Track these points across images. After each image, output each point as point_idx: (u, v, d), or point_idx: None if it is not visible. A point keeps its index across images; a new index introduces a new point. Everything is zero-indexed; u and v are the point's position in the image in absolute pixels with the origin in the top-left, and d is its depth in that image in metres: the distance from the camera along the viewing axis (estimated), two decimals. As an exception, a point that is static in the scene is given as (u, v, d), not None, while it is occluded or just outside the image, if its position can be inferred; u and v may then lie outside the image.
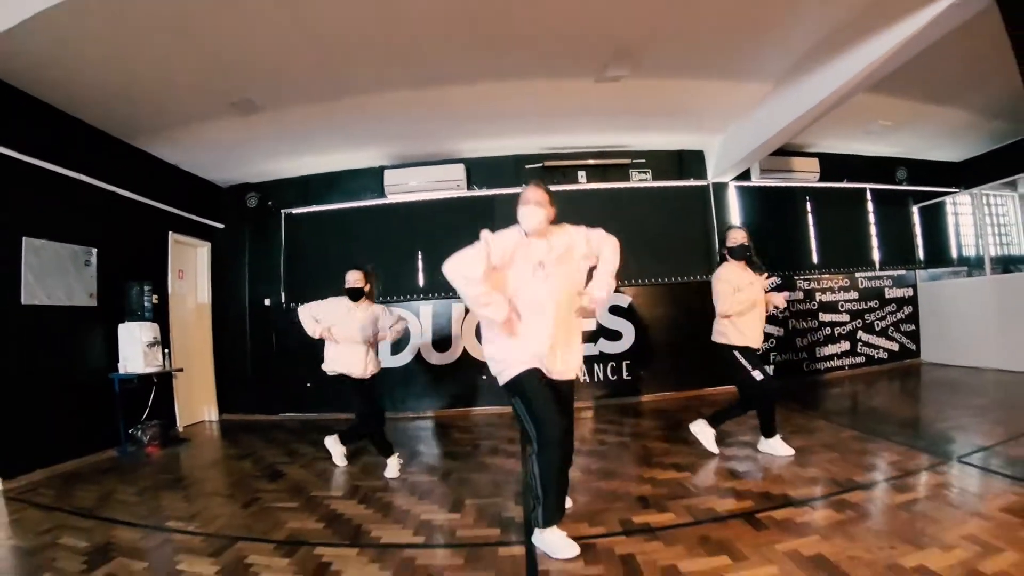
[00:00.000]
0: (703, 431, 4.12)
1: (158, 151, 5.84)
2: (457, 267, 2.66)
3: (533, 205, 2.76)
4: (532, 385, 2.69)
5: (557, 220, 2.87)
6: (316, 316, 4.28)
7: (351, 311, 4.25)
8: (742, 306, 3.88)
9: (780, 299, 4.11)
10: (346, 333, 4.20)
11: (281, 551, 2.76)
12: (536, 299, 2.74)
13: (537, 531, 2.69)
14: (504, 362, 2.77)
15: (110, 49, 3.87)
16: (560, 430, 2.64)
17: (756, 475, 3.56)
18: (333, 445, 4.37)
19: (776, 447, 3.95)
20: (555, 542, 2.63)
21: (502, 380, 2.79)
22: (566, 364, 2.83)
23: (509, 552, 2.66)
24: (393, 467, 4.06)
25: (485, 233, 2.75)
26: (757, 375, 3.89)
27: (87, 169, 4.98)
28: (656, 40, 4.33)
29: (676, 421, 5.16)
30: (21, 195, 4.37)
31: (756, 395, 3.95)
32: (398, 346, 6.37)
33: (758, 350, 4.02)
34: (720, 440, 4.19)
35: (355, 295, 4.26)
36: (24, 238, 4.34)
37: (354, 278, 4.26)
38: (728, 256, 4.03)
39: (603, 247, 2.91)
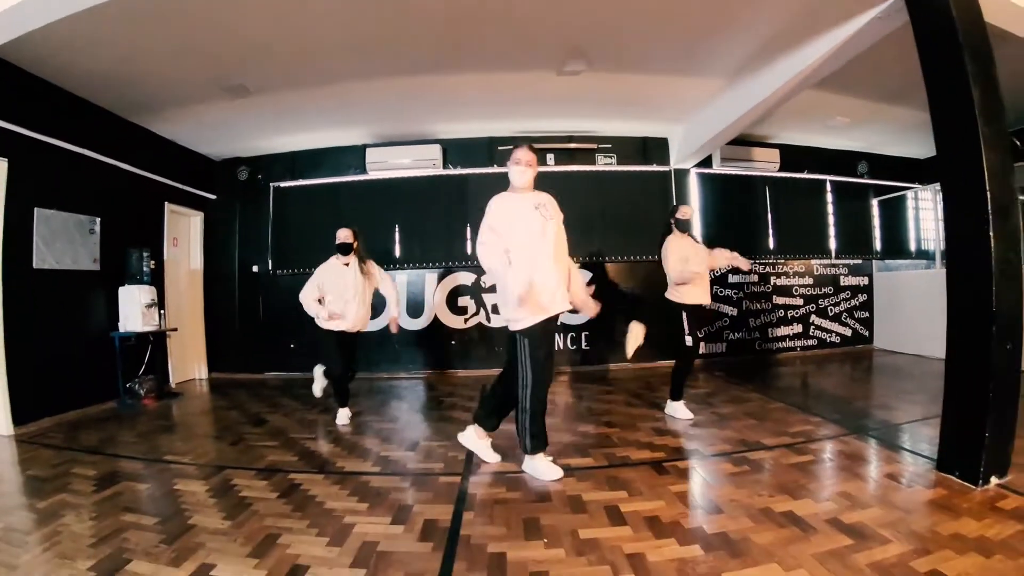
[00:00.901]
0: (675, 408, 4.61)
1: (156, 127, 6.37)
2: (486, 258, 3.27)
3: (524, 165, 3.37)
4: (539, 335, 3.25)
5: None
6: (318, 284, 4.76)
7: (343, 271, 4.78)
8: (692, 275, 4.42)
9: (743, 261, 4.66)
10: (339, 290, 4.74)
11: (260, 476, 3.41)
12: (540, 239, 3.27)
13: (527, 458, 3.35)
14: (518, 312, 3.25)
15: (115, 38, 4.32)
16: (551, 374, 3.32)
17: (676, 434, 4.10)
18: (319, 377, 5.07)
19: (678, 410, 4.57)
20: (542, 467, 3.29)
21: (516, 327, 3.29)
22: (564, 298, 3.36)
23: (447, 480, 3.30)
24: (343, 416, 4.76)
25: (488, 214, 3.31)
26: (688, 340, 4.51)
27: (92, 145, 5.53)
28: (609, 39, 4.78)
29: (625, 388, 5.83)
30: (34, 169, 4.89)
31: (680, 355, 4.58)
32: (375, 311, 6.94)
33: (707, 306, 4.65)
34: (656, 404, 4.90)
35: (345, 249, 4.78)
36: (36, 208, 4.90)
37: (344, 234, 4.79)
38: (676, 228, 4.60)
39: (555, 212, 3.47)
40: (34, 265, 4.88)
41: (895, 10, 3.59)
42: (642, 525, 2.57)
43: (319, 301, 4.74)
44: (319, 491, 3.14)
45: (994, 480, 2.89)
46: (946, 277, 3.13)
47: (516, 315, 3.25)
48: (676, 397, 4.63)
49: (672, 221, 4.65)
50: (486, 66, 5.22)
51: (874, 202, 8.37)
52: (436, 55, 4.96)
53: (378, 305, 5.80)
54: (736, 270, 6.13)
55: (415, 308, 7.11)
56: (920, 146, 8.19)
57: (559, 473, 3.25)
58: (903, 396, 5.09)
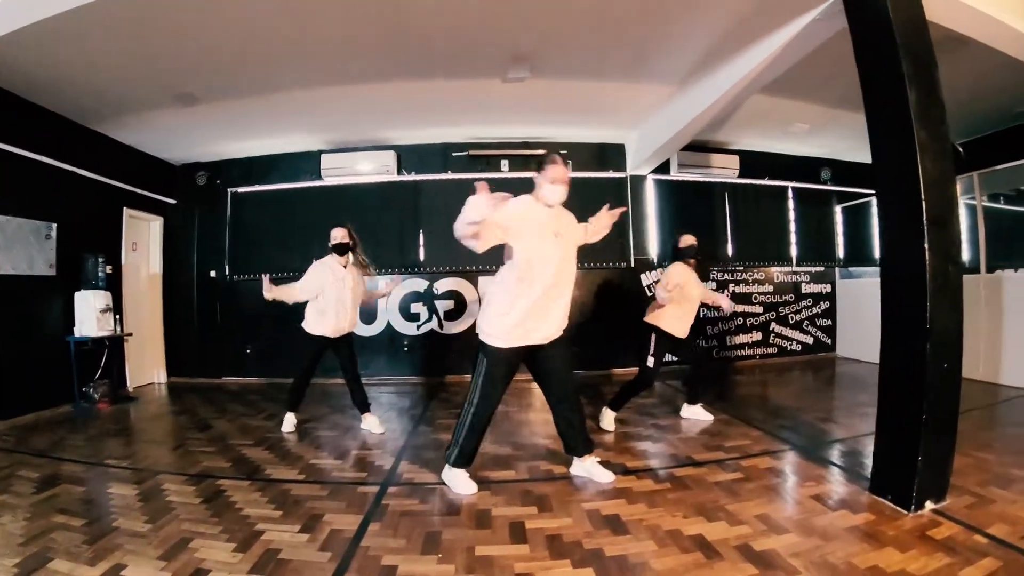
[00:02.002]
0: (606, 417, 4.81)
1: (113, 133, 6.64)
2: (464, 213, 2.96)
3: (563, 184, 3.23)
4: (499, 362, 3.30)
5: None
6: (315, 288, 4.76)
7: (343, 273, 4.81)
8: (672, 296, 4.58)
9: (725, 301, 4.90)
10: (338, 293, 4.77)
11: (190, 481, 3.70)
12: (547, 266, 3.19)
13: (446, 467, 3.50)
14: (492, 328, 3.28)
15: (69, 47, 4.49)
16: (499, 398, 3.38)
17: (608, 447, 4.23)
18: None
19: (608, 421, 4.78)
20: (458, 480, 3.44)
21: (482, 338, 3.34)
22: (549, 331, 3.33)
23: (365, 490, 3.54)
24: (289, 422, 4.99)
25: (517, 204, 3.23)
26: (650, 362, 4.69)
27: (49, 151, 5.81)
28: (550, 46, 4.96)
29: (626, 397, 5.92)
30: (-13, 176, 5.16)
31: (639, 374, 4.79)
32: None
33: (681, 339, 4.77)
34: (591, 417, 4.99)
35: (342, 250, 4.82)
36: (-10, 215, 5.18)
37: (340, 234, 4.81)
38: (679, 256, 4.83)
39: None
40: (-11, 271, 5.16)
41: (835, 11, 3.60)
42: (541, 544, 2.68)
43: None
44: (240, 497, 3.41)
45: (929, 505, 2.86)
46: (880, 290, 3.11)
47: (488, 328, 3.31)
48: (613, 407, 4.81)
49: (677, 251, 4.89)
50: (433, 74, 5.45)
51: (837, 209, 8.63)
52: (383, 63, 5.17)
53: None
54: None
55: (368, 314, 7.39)
56: (886, 153, 8.43)
57: (472, 489, 3.38)
58: (856, 408, 5.18)
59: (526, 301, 3.19)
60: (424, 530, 2.90)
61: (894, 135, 2.97)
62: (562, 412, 3.55)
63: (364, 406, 5.01)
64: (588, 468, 3.58)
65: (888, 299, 3.08)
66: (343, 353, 4.98)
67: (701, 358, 4.94)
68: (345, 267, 4.85)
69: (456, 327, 7.43)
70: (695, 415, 5.00)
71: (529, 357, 3.42)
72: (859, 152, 8.41)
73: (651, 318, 4.75)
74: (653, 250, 7.77)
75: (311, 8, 4.23)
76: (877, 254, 8.39)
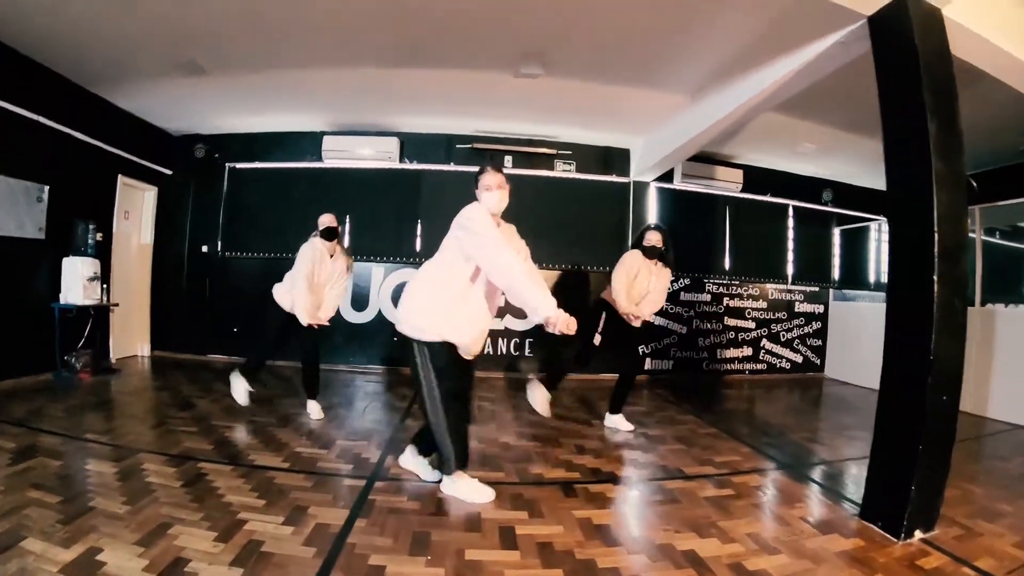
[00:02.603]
0: (536, 392, 4.74)
1: (113, 97, 6.49)
2: (506, 269, 2.88)
3: (498, 189, 3.13)
4: (449, 359, 3.18)
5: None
6: (307, 275, 4.65)
7: (330, 258, 4.78)
8: (630, 300, 4.69)
9: (638, 318, 4.79)
10: (322, 278, 4.77)
11: (171, 463, 3.61)
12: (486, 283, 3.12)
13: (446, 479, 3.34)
14: (434, 324, 3.11)
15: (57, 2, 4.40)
16: (463, 405, 3.29)
17: (599, 453, 4.21)
18: (237, 381, 5.01)
19: (537, 398, 4.71)
20: (465, 488, 3.28)
21: (424, 337, 3.14)
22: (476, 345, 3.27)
23: (351, 483, 3.49)
24: (315, 409, 4.97)
25: (475, 217, 2.99)
26: (596, 339, 4.78)
27: (44, 110, 5.64)
28: (566, 46, 4.91)
29: (561, 401, 5.92)
30: (-22, 132, 5.02)
31: (580, 351, 4.85)
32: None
33: (629, 328, 4.79)
34: (587, 421, 5.18)
35: (332, 234, 4.77)
36: (-21, 173, 5.05)
37: (329, 219, 4.77)
38: (640, 249, 4.77)
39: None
40: (-26, 231, 5.04)
41: (858, 37, 3.55)
42: (532, 551, 2.63)
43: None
44: (223, 483, 3.33)
45: (918, 534, 2.86)
46: (885, 318, 3.08)
47: (429, 315, 3.17)
48: (550, 387, 4.76)
49: (639, 241, 4.85)
50: (445, 63, 5.37)
51: (836, 231, 8.66)
52: (396, 48, 5.09)
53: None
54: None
55: (360, 301, 7.33)
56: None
57: (490, 496, 3.24)
58: (844, 431, 5.21)
59: (477, 308, 3.18)
60: (412, 529, 2.83)
61: (911, 164, 2.95)
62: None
63: (313, 392, 5.03)
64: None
65: (892, 327, 3.06)
66: (308, 341, 4.90)
67: (635, 366, 4.99)
68: (332, 255, 4.82)
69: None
70: (616, 424, 4.96)
71: None
72: (862, 176, 8.46)
73: (606, 294, 4.86)
74: None
75: None
76: (872, 278, 8.80)
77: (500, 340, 7.37)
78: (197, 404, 5.17)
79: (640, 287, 4.77)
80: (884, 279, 8.59)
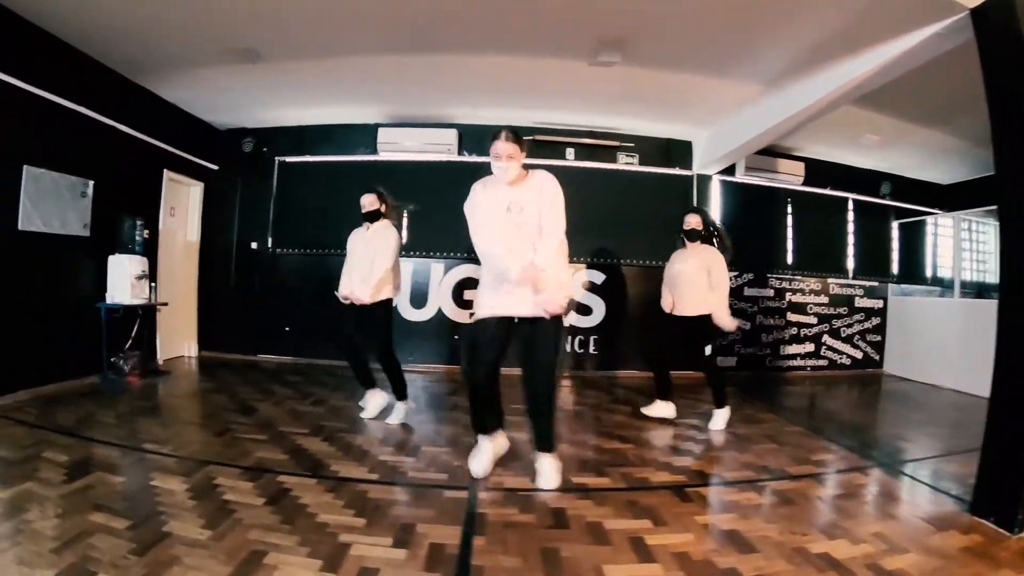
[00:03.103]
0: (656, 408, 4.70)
1: (159, 89, 5.98)
2: (483, 247, 3.07)
3: (504, 160, 2.98)
4: (476, 330, 3.15)
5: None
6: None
7: (365, 238, 4.30)
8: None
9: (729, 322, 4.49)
10: (355, 258, 4.31)
11: (247, 476, 3.06)
12: (502, 238, 3.02)
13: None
14: (478, 305, 3.20)
15: None
16: (481, 371, 3.10)
17: (695, 454, 3.83)
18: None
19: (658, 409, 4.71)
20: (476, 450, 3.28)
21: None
22: (521, 299, 3.02)
23: (453, 495, 2.97)
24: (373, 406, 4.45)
25: (474, 189, 3.14)
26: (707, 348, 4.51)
27: (89, 102, 5.14)
28: (649, 31, 4.47)
29: (632, 398, 5.47)
30: (24, 124, 4.52)
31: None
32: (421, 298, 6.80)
33: (675, 314, 4.57)
34: (670, 422, 4.65)
35: (372, 217, 4.31)
36: (25, 166, 4.52)
37: (368, 201, 4.31)
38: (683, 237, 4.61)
39: (545, 205, 3.02)
40: (19, 226, 4.50)
41: (958, 27, 3.29)
42: (672, 562, 2.29)
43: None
44: (311, 499, 2.80)
45: None
46: (998, 309, 2.88)
47: (477, 298, 3.33)
48: (660, 396, 4.76)
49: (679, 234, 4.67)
50: (514, 49, 4.88)
51: (894, 224, 8.10)
52: (464, 33, 4.61)
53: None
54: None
55: (419, 298, 6.75)
56: (945, 172, 7.98)
57: (478, 468, 3.20)
58: (919, 428, 4.89)
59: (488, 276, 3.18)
60: (538, 546, 2.42)
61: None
62: (525, 395, 3.22)
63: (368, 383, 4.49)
64: (538, 464, 3.22)
65: (1007, 323, 2.87)
66: (363, 323, 4.30)
67: (699, 355, 4.56)
68: (368, 231, 4.34)
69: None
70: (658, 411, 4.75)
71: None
72: (922, 170, 7.94)
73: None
74: None
75: None
76: (929, 273, 8.13)
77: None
78: (258, 408, 4.59)
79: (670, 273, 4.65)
80: (942, 274, 8.11)
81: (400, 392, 4.37)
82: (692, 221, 4.51)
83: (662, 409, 4.69)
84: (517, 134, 3.03)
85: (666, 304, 4.61)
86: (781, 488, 3.21)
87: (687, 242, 4.55)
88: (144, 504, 2.64)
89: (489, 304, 3.13)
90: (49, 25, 4.58)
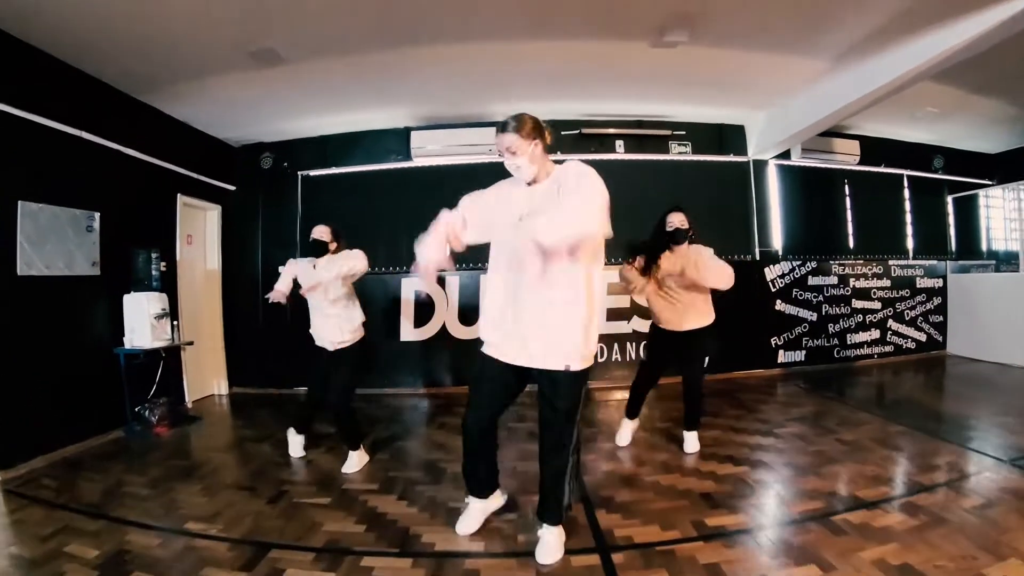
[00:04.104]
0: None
1: (166, 106, 5.24)
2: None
3: (507, 155, 2.25)
4: (479, 366, 2.44)
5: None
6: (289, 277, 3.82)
7: (314, 271, 3.69)
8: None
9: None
10: (310, 300, 3.72)
11: (323, 562, 2.36)
12: (509, 260, 2.28)
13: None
14: (481, 329, 2.46)
15: None
16: (472, 418, 2.43)
17: (815, 471, 3.27)
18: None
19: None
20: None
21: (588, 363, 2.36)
22: (523, 347, 2.26)
23: (583, 561, 2.33)
24: (295, 444, 3.84)
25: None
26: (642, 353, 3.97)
27: (89, 125, 4.40)
28: (719, 7, 3.83)
29: (715, 407, 4.76)
30: (16, 154, 3.81)
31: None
32: (421, 319, 5.99)
33: (670, 331, 3.66)
34: (767, 432, 4.08)
35: (318, 249, 3.68)
36: (20, 202, 3.80)
37: (320, 231, 3.71)
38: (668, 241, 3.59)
39: (570, 181, 2.18)
40: (18, 272, 3.78)
41: None
42: None
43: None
44: None
45: None
46: None
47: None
48: (629, 415, 3.94)
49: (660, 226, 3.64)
50: (567, 32, 4.15)
51: (948, 199, 7.45)
52: (508, 16, 3.90)
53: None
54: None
55: (468, 314, 5.94)
56: (994, 141, 7.28)
57: (463, 530, 2.58)
58: (1019, 413, 4.37)
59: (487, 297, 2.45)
60: None
61: None
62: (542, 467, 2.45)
63: (352, 443, 3.64)
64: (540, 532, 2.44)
65: None
66: (332, 371, 3.71)
67: (694, 374, 3.72)
68: (315, 268, 3.70)
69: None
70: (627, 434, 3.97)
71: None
72: (972, 140, 7.24)
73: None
74: (778, 242, 6.51)
75: None
76: (985, 247, 7.35)
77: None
78: (311, 458, 3.82)
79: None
80: (996, 247, 7.55)
81: (355, 441, 3.63)
82: (676, 220, 3.57)
83: (631, 426, 3.95)
84: (521, 121, 2.24)
85: (661, 319, 3.73)
86: (921, 503, 2.77)
87: (673, 246, 3.56)
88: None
89: (491, 339, 2.39)
90: (41, 42, 3.88)
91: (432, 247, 2.19)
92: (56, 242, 4.09)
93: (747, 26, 4.10)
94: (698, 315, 3.59)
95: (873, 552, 2.29)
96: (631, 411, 3.90)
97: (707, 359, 3.76)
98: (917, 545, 2.32)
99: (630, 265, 3.58)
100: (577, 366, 2.21)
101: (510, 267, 2.25)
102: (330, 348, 3.68)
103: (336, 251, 3.71)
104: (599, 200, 2.04)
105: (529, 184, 2.31)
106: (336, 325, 3.65)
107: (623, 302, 5.84)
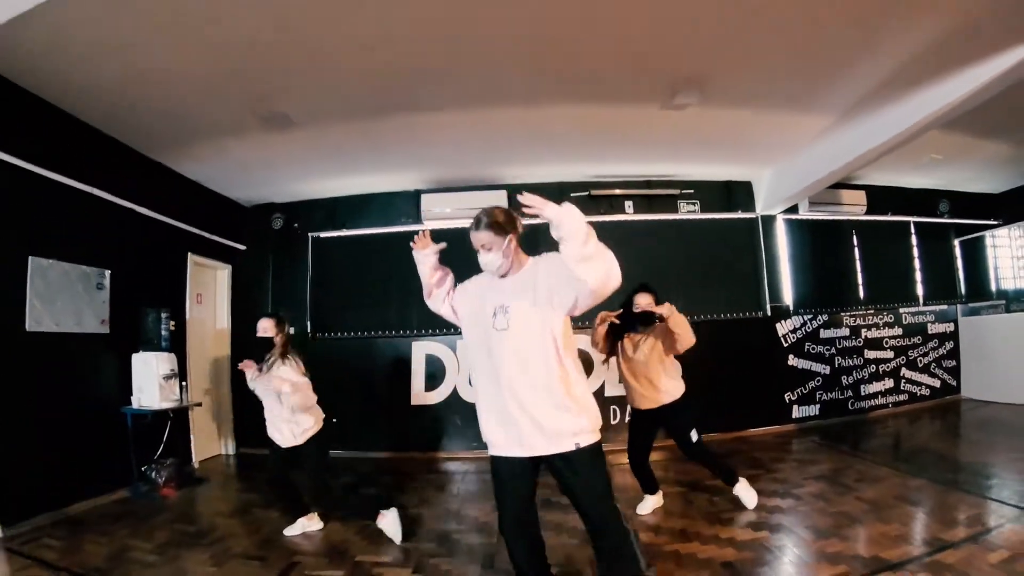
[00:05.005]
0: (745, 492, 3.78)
1: (179, 166, 5.42)
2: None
3: (481, 251, 2.27)
4: (493, 470, 2.29)
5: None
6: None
7: (256, 375, 3.72)
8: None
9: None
10: (260, 392, 3.73)
11: None
12: (488, 355, 2.21)
13: None
14: (483, 431, 2.31)
15: (126, 49, 3.40)
16: (507, 521, 2.25)
17: (837, 533, 3.22)
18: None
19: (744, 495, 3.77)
20: None
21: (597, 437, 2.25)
22: (526, 438, 2.14)
23: None
24: (391, 528, 3.49)
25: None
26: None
27: (101, 183, 4.56)
28: (728, 69, 4.04)
29: (726, 466, 4.67)
30: (28, 210, 3.95)
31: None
32: (433, 383, 6.03)
33: (643, 410, 3.63)
34: (785, 493, 4.02)
35: (266, 345, 3.70)
36: (30, 257, 3.91)
37: (264, 326, 3.71)
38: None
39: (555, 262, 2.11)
40: (27, 327, 3.87)
41: None
42: None
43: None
44: None
45: None
46: None
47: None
48: (646, 490, 3.86)
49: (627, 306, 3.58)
50: (578, 97, 4.35)
51: (956, 242, 7.56)
52: (527, 82, 4.09)
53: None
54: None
55: (433, 379, 6.04)
56: (998, 181, 7.44)
57: None
58: None
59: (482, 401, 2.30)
60: None
61: None
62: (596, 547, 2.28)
63: (370, 515, 3.51)
64: None
65: None
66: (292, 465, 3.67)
67: (691, 448, 3.69)
68: (260, 372, 3.70)
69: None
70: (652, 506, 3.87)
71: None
72: (977, 182, 7.41)
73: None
74: (788, 296, 6.60)
75: (453, 16, 3.26)
76: (994, 287, 7.34)
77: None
78: (326, 527, 3.75)
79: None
80: (1005, 287, 7.58)
81: (369, 512, 3.53)
82: (643, 302, 3.49)
83: (654, 502, 3.85)
84: (493, 216, 2.25)
85: (634, 399, 3.70)
86: (949, 560, 2.74)
87: (640, 328, 3.53)
88: None
89: (494, 440, 2.25)
90: (50, 95, 4.01)
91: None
92: (67, 300, 4.20)
93: (755, 84, 4.28)
94: (669, 387, 3.58)
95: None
96: (645, 487, 3.85)
97: (695, 431, 3.64)
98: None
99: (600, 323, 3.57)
100: (587, 441, 2.15)
101: (491, 366, 2.18)
102: (284, 445, 3.62)
103: (281, 342, 3.71)
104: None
105: (502, 277, 2.28)
106: (288, 428, 3.60)
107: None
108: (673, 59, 3.85)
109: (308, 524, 3.71)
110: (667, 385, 3.55)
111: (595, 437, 2.15)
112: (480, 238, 2.23)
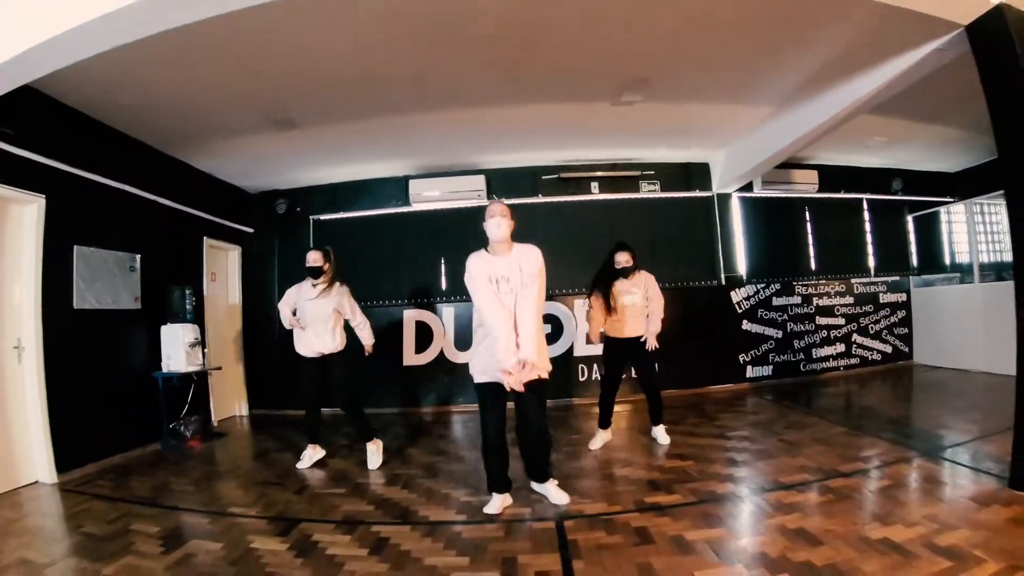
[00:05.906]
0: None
1: (193, 160, 6.14)
2: (489, 315, 3.13)
3: (499, 217, 3.19)
4: (481, 394, 3.31)
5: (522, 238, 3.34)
6: (289, 304, 4.64)
7: (312, 296, 4.54)
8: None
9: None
10: (307, 316, 4.53)
11: (341, 530, 3.12)
12: (493, 308, 3.13)
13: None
14: (473, 368, 3.35)
15: (156, 70, 4.08)
16: (491, 432, 3.29)
17: (752, 464, 3.95)
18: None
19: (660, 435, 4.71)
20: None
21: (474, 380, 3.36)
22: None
23: (540, 526, 3.06)
24: (306, 456, 4.57)
25: (468, 264, 3.25)
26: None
27: (130, 179, 5.28)
28: (668, 71, 4.66)
29: (679, 416, 5.51)
30: (72, 206, 4.63)
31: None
32: (423, 345, 6.83)
33: (631, 338, 4.55)
34: (719, 435, 4.80)
35: (315, 273, 4.57)
36: (75, 246, 4.63)
37: (313, 257, 4.59)
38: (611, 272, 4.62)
39: (529, 266, 3.23)
40: (74, 305, 4.61)
41: (955, 43, 3.54)
42: (753, 562, 2.47)
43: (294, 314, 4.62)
44: (412, 545, 2.87)
45: None
46: (1015, 289, 3.13)
47: (471, 360, 3.41)
48: (602, 425, 4.76)
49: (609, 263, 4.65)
50: (543, 97, 5.06)
51: (909, 218, 8.17)
52: (494, 87, 4.80)
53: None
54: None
55: (463, 341, 6.74)
56: (951, 160, 8.03)
57: (492, 508, 3.31)
58: (956, 413, 4.99)
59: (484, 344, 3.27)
60: (632, 561, 2.57)
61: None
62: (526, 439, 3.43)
63: (365, 436, 4.54)
64: (546, 489, 3.51)
65: None
66: (330, 376, 4.61)
67: (651, 373, 4.69)
68: (315, 287, 4.58)
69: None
70: (602, 440, 4.78)
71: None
72: (930, 162, 8.01)
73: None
74: (742, 267, 7.28)
75: (435, 34, 3.91)
76: (948, 261, 8.17)
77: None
78: (328, 462, 4.62)
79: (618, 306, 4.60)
80: (960, 260, 8.09)
81: (368, 435, 4.51)
82: (622, 259, 4.55)
83: (603, 437, 4.74)
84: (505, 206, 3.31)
85: (596, 334, 4.69)
86: (836, 486, 3.36)
87: (623, 277, 4.56)
88: (255, 569, 2.68)
89: (484, 369, 3.26)
90: (87, 107, 4.70)
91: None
92: (106, 281, 4.95)
93: (695, 84, 4.96)
94: (640, 325, 4.55)
95: (776, 520, 2.89)
96: (603, 422, 4.72)
97: (656, 364, 4.67)
98: (815, 516, 2.90)
99: (592, 301, 4.62)
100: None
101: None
102: (324, 352, 4.54)
103: (328, 270, 4.63)
104: (542, 285, 3.22)
105: (492, 251, 3.27)
106: (329, 338, 4.55)
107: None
108: (618, 65, 4.49)
109: (314, 454, 4.60)
110: (636, 322, 4.55)
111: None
112: (502, 208, 3.24)
